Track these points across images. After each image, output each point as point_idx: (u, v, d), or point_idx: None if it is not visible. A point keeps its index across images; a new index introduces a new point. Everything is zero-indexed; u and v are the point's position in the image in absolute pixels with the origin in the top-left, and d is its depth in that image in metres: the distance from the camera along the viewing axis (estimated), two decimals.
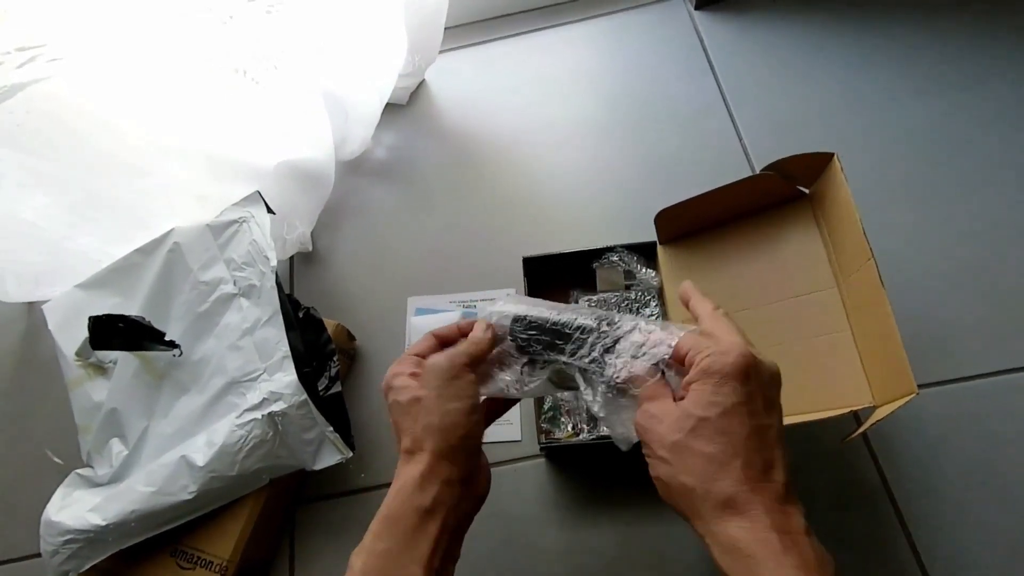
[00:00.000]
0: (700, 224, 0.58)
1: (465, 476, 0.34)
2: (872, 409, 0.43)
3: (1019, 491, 0.51)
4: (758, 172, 0.53)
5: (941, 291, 0.60)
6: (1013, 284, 0.59)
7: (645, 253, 0.61)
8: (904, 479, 0.53)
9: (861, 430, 0.41)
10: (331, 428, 0.52)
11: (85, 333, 0.54)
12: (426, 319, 0.67)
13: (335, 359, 0.56)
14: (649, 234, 0.60)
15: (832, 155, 0.49)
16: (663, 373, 0.33)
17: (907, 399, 0.38)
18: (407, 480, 0.33)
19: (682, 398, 0.30)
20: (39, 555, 0.52)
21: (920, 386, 0.39)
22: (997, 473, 0.52)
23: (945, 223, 0.63)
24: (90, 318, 0.54)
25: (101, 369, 0.57)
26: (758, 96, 0.74)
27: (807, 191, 0.54)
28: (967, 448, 0.54)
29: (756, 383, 0.30)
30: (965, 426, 0.54)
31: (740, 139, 0.72)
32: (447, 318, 0.66)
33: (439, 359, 0.35)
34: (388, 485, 0.58)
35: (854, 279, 0.47)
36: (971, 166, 0.66)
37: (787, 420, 0.46)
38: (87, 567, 0.50)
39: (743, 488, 0.28)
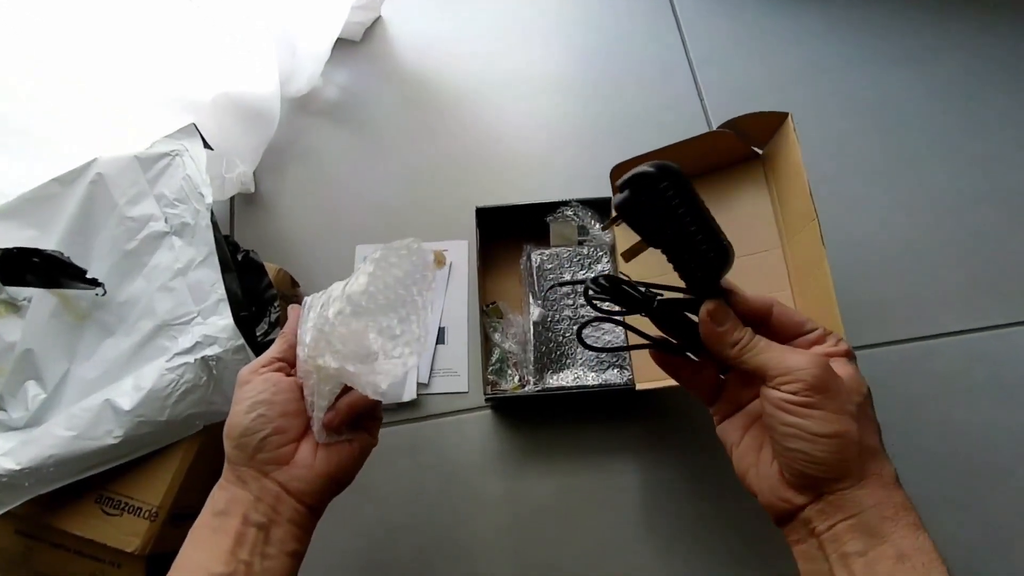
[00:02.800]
0: None
1: (269, 463, 0.34)
2: None
3: (934, 450, 0.55)
4: (711, 131, 0.53)
5: (878, 259, 0.62)
6: (946, 256, 0.62)
7: (600, 209, 0.61)
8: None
9: None
10: None
11: None
12: None
13: (276, 305, 0.54)
14: (605, 190, 0.59)
15: (787, 115, 0.50)
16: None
17: None
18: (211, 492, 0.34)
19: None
20: None
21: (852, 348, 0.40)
22: (913, 432, 0.56)
23: (889, 193, 0.65)
24: (0, 251, 0.49)
25: (14, 307, 0.53)
26: (722, 58, 0.74)
27: (760, 152, 0.55)
28: (887, 409, 0.57)
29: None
30: (888, 388, 0.58)
31: (701, 100, 0.71)
32: None
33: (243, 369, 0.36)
34: None
35: (798, 239, 0.48)
36: (922, 139, 0.68)
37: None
38: (1, 512, 0.47)
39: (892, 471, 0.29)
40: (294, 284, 0.62)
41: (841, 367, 0.29)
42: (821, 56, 0.73)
